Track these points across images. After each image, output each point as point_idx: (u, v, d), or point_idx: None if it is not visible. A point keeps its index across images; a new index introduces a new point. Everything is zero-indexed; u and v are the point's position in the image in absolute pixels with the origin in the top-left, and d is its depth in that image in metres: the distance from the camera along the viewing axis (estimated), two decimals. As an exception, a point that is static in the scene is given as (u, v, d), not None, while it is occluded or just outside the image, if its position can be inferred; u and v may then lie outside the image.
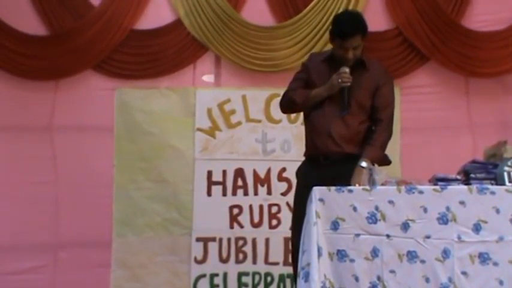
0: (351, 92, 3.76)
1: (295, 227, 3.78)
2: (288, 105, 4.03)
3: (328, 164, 3.79)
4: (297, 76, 4.02)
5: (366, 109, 3.84)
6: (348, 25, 3.73)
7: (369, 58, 3.92)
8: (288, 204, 5.25)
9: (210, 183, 5.41)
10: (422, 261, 3.26)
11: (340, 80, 3.71)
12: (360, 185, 3.49)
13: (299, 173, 4.00)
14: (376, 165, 3.67)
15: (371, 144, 3.77)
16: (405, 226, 3.29)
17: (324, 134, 3.80)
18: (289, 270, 4.98)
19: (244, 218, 5.39)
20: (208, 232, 5.36)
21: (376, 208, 3.31)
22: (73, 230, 5.28)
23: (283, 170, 5.38)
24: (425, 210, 3.28)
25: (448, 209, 3.27)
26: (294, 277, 3.80)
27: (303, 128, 4.11)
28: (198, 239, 5.35)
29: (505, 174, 3.42)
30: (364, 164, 3.63)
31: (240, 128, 5.46)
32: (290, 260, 4.11)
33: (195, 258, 5.34)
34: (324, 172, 3.73)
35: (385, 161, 3.83)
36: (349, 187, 3.40)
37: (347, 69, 3.72)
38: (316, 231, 3.31)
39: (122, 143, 5.40)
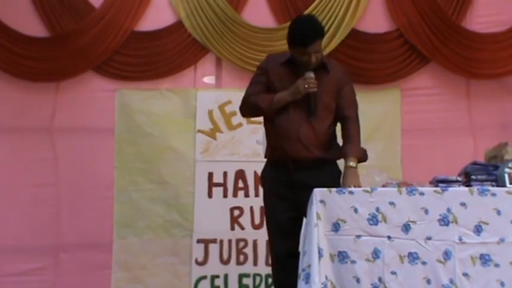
0: (316, 95, 3.68)
1: (272, 232, 3.76)
2: (250, 110, 3.92)
3: (296, 169, 3.70)
4: (256, 79, 3.90)
5: (332, 111, 3.77)
6: (308, 32, 3.64)
7: (328, 60, 3.86)
8: (288, 205, 5.25)
9: (211, 184, 5.41)
10: (424, 263, 3.26)
11: (306, 86, 3.63)
12: (357, 186, 3.48)
13: (266, 177, 3.88)
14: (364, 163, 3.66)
15: (350, 141, 3.70)
16: (406, 227, 3.29)
17: (293, 139, 3.70)
18: (290, 271, 4.98)
19: (245, 220, 5.39)
20: (209, 234, 5.35)
21: (377, 209, 3.31)
22: (74, 231, 5.28)
23: (284, 171, 5.38)
24: (426, 211, 3.29)
25: (449, 210, 3.28)
26: (275, 285, 3.79)
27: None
28: (198, 241, 5.35)
29: (506, 175, 3.43)
30: (353, 163, 3.58)
31: (240, 130, 5.46)
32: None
33: (196, 260, 5.34)
34: (293, 177, 3.67)
35: (364, 157, 3.76)
36: (350, 189, 3.40)
37: (312, 75, 3.64)
38: (317, 233, 3.31)
39: (122, 145, 5.40)
